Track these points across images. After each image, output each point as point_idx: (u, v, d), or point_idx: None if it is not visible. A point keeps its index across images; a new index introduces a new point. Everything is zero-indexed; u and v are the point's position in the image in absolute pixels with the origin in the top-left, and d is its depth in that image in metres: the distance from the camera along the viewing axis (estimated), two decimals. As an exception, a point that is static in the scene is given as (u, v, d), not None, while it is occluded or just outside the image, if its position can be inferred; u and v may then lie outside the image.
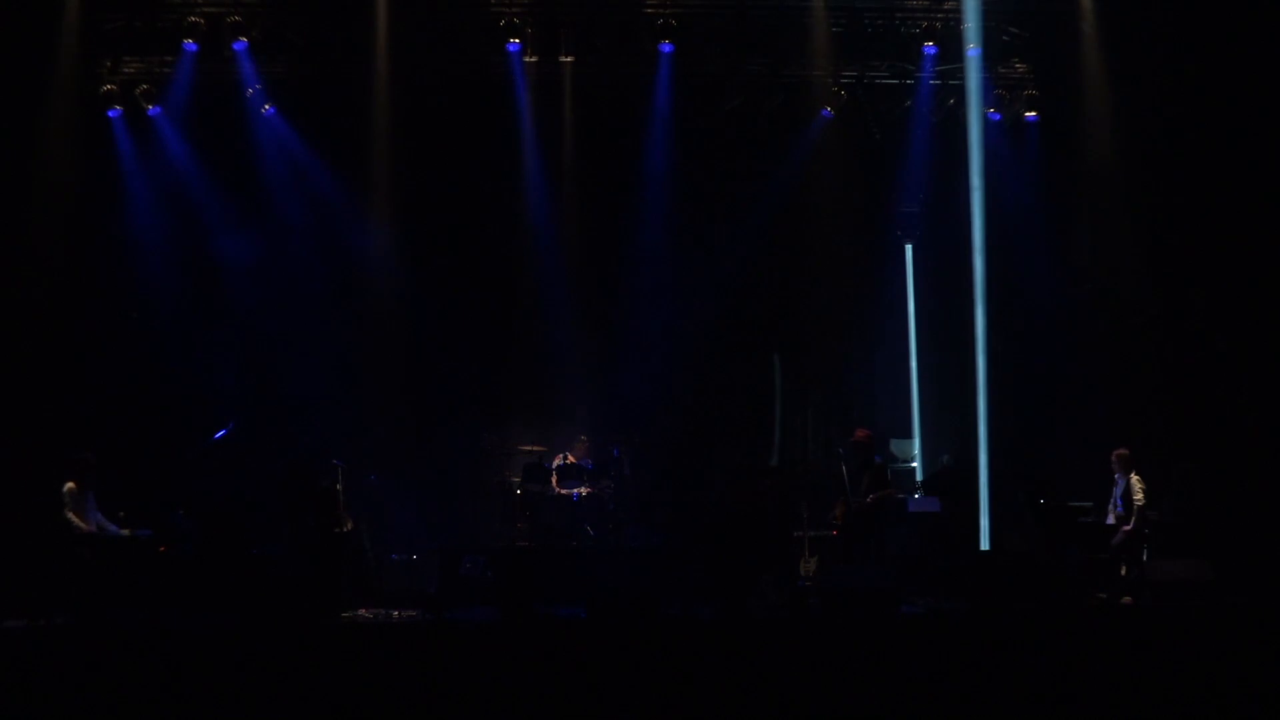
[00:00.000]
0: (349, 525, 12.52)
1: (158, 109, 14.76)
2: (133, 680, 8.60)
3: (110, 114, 14.68)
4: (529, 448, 14.45)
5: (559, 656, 9.17)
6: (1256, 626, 9.79)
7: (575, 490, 13.94)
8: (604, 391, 15.29)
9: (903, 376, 16.04)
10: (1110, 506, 12.71)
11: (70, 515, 11.70)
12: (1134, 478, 12.50)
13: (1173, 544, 12.35)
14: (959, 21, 14.73)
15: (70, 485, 11.79)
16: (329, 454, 12.75)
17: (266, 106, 14.89)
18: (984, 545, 13.72)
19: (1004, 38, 15.05)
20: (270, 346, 14.93)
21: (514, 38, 14.53)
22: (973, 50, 14.70)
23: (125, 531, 11.93)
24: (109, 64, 14.72)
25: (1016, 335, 15.29)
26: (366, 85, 14.74)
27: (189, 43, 14.31)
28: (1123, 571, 12.34)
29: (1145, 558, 12.23)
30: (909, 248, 16.46)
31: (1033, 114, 15.23)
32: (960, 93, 15.21)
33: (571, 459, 14.26)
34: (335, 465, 12.63)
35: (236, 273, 15.00)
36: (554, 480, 14.08)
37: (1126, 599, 12.11)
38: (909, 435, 15.80)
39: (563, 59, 15.00)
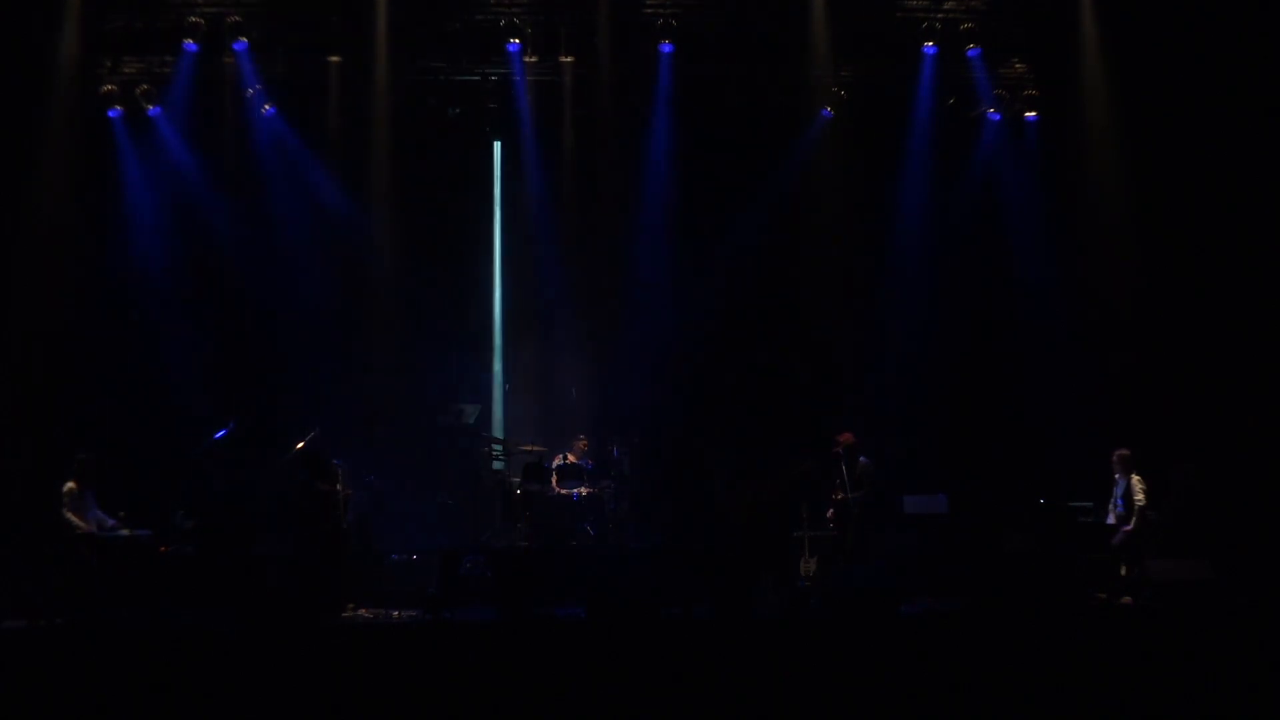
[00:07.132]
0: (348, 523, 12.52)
1: (158, 109, 14.76)
2: (133, 680, 8.60)
3: (110, 114, 14.67)
4: (529, 448, 14.43)
5: (559, 656, 9.17)
6: (1256, 626, 9.79)
7: (575, 490, 13.91)
8: (604, 391, 15.26)
9: (902, 376, 15.98)
10: (1110, 506, 12.72)
11: (70, 515, 11.70)
12: (1134, 478, 12.50)
13: (1173, 544, 12.34)
14: (959, 21, 14.76)
15: (70, 485, 11.78)
16: (329, 454, 12.73)
17: (266, 107, 14.89)
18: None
19: (1004, 38, 15.05)
20: (270, 346, 14.91)
21: (514, 38, 14.55)
22: (973, 50, 14.74)
23: (125, 531, 11.93)
24: (109, 64, 14.72)
25: (1016, 335, 15.28)
26: (366, 86, 14.76)
27: (189, 43, 14.35)
28: (1123, 571, 12.34)
29: (1145, 558, 12.23)
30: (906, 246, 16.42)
31: (1033, 114, 15.23)
32: (960, 92, 15.20)
33: (571, 459, 14.24)
34: (335, 465, 12.62)
35: (236, 273, 14.99)
36: (554, 480, 14.07)
37: (1126, 599, 12.11)
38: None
39: (563, 59, 15.02)
